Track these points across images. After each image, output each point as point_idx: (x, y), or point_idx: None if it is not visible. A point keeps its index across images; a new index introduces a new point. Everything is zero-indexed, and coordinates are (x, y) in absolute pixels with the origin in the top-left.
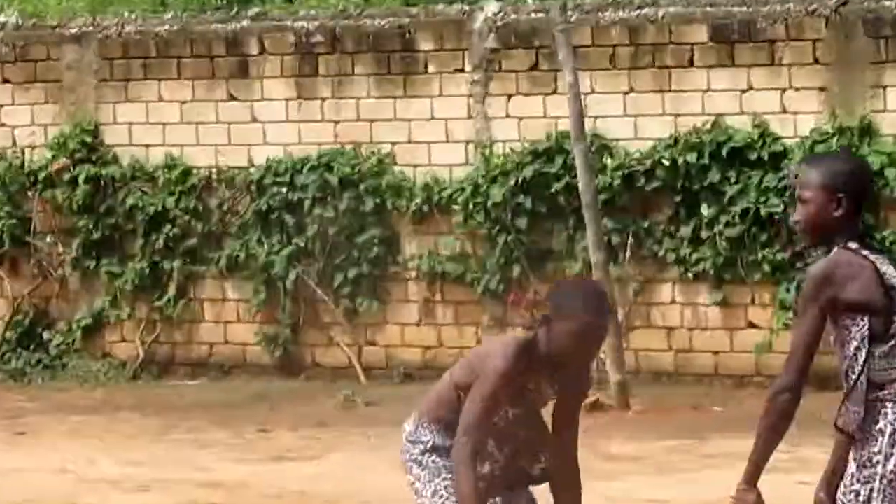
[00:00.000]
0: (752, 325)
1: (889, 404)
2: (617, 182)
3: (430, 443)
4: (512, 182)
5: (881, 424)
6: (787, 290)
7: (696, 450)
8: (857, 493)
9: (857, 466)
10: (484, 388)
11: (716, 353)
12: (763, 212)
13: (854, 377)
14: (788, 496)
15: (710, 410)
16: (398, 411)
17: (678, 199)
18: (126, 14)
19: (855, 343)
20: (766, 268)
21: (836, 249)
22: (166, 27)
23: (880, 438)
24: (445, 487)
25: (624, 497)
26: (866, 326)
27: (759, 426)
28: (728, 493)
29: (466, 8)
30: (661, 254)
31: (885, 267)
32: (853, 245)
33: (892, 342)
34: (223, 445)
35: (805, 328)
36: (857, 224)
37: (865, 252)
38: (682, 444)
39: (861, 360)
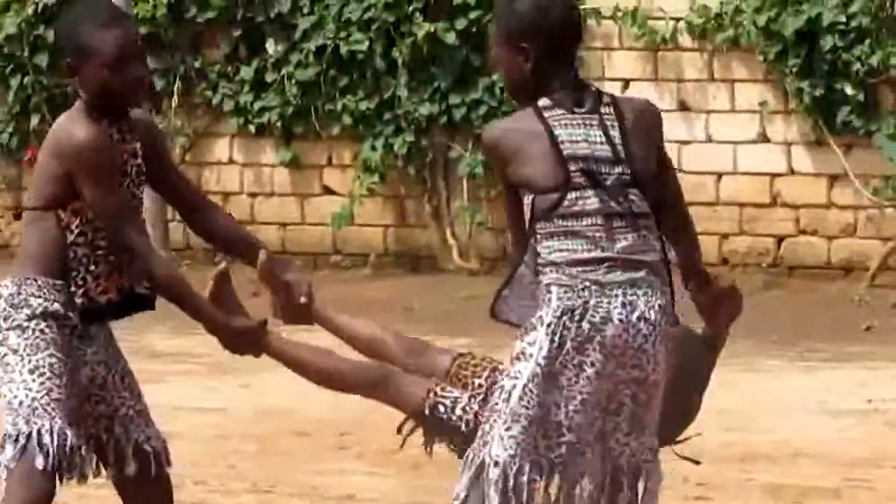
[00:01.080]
0: (328, 191)
1: (554, 289)
2: (161, 12)
3: (43, 307)
4: (31, 10)
5: (542, 312)
6: (374, 148)
7: None
8: (502, 388)
9: (511, 359)
10: (90, 169)
11: (283, 225)
12: (343, 50)
13: (513, 262)
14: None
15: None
16: None
17: (237, 33)
18: None
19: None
20: (347, 119)
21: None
22: None
23: (539, 328)
24: (51, 365)
25: (170, 404)
26: (530, 206)
27: None
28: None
29: None
30: (216, 102)
31: (570, 130)
32: (543, 103)
33: (560, 221)
34: None
35: (507, 207)
36: (561, 71)
37: (552, 112)
38: None
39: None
